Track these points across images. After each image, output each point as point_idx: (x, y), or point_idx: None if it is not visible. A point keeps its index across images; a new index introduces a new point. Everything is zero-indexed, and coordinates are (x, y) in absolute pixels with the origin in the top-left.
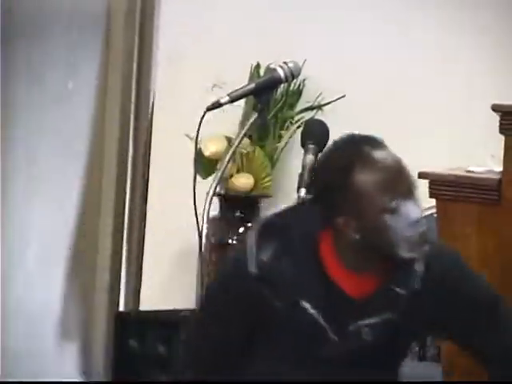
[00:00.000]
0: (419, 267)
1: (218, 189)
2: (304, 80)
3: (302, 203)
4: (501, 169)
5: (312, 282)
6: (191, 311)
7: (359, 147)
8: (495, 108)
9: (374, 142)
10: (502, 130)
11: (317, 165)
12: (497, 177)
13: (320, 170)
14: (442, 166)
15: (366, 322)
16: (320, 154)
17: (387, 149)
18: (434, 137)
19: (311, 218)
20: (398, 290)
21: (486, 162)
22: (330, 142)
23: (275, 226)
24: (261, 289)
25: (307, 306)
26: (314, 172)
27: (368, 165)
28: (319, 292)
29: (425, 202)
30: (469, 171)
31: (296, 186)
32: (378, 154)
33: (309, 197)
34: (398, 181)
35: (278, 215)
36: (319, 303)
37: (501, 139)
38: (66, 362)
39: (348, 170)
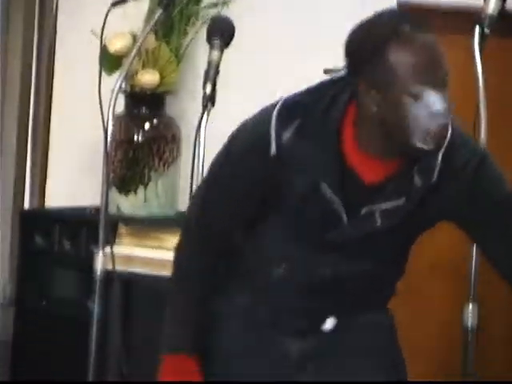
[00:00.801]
0: (437, 160)
1: (123, 86)
2: None
3: (327, 81)
4: None
5: (330, 165)
6: (96, 208)
7: (400, 23)
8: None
9: (418, 22)
10: None
11: (350, 34)
12: None
13: (354, 38)
14: None
15: (378, 206)
16: (356, 25)
17: (430, 32)
18: None
19: (335, 96)
20: (414, 179)
21: None
22: (234, 38)
23: (298, 105)
24: (280, 168)
25: (325, 186)
26: (347, 43)
27: (404, 43)
28: (336, 175)
29: None
30: None
31: (202, 81)
32: (418, 35)
33: (337, 74)
34: (430, 67)
35: (301, 94)
36: (335, 185)
37: None
38: None
39: (383, 43)
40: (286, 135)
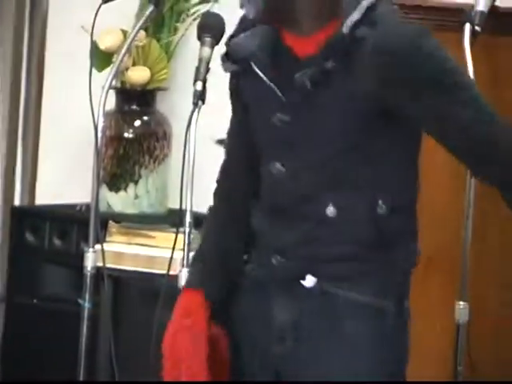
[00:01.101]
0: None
1: (113, 82)
2: None
3: None
4: None
5: (265, 47)
6: (86, 205)
7: None
8: None
9: None
10: None
11: None
12: None
13: None
14: None
15: (309, 71)
16: None
17: None
18: None
19: None
20: (337, 44)
21: None
22: (225, 35)
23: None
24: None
25: (256, 68)
26: None
27: None
28: (270, 55)
29: None
30: None
31: (192, 78)
32: None
33: None
34: None
35: None
36: (267, 65)
37: None
38: None
39: None
40: (233, 40)
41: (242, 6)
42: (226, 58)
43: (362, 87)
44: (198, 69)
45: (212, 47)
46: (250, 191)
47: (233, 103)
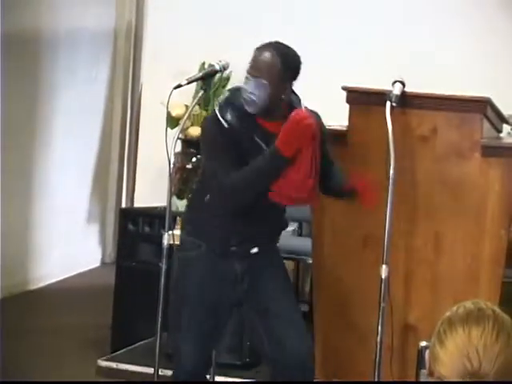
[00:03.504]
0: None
1: (180, 135)
2: (231, 71)
3: (233, 87)
4: (346, 124)
5: (255, 127)
6: (163, 207)
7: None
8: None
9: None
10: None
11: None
12: (344, 128)
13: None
14: None
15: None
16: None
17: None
18: None
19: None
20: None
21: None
22: None
23: (232, 96)
24: (230, 132)
25: (256, 138)
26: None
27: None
28: (259, 131)
29: None
30: (328, 125)
31: None
32: (260, 49)
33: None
34: (253, 60)
35: (232, 89)
36: (259, 136)
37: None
38: (91, 242)
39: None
40: (228, 116)
41: (245, 104)
42: (230, 128)
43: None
44: None
45: None
46: None
47: (226, 147)
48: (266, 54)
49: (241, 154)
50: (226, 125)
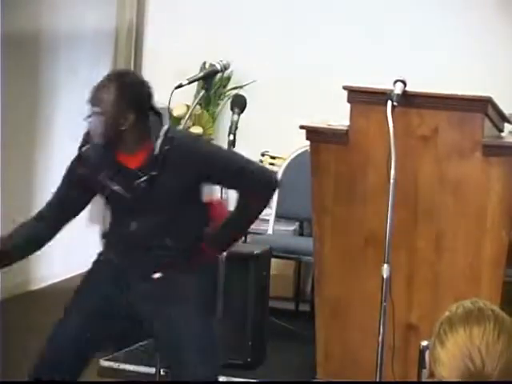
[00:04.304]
0: (164, 149)
1: None
2: (232, 71)
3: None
4: (348, 123)
5: (109, 164)
6: None
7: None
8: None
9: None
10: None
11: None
12: (345, 128)
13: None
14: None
15: (141, 179)
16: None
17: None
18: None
19: None
20: (156, 161)
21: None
22: (247, 108)
23: (88, 133)
24: (82, 169)
25: (107, 181)
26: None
27: None
28: (114, 170)
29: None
30: (329, 124)
31: (227, 133)
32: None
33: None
34: (92, 89)
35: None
36: (114, 177)
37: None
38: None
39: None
40: (83, 149)
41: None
42: (79, 160)
43: (178, 177)
44: (230, 127)
45: (239, 115)
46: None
47: (69, 181)
48: (102, 83)
49: (92, 185)
50: (77, 158)
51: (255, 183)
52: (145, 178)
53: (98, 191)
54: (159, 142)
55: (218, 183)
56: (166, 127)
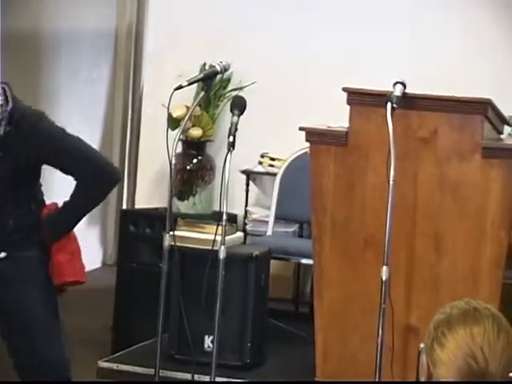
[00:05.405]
0: (8, 126)
1: (181, 136)
2: (232, 72)
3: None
4: (347, 125)
5: None
6: (164, 208)
7: None
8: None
9: None
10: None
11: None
12: (345, 130)
13: None
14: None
15: None
16: None
17: None
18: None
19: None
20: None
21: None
22: (247, 109)
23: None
24: None
25: None
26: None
27: None
28: None
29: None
30: (329, 126)
31: (227, 134)
32: None
33: None
34: None
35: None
36: None
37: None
38: (92, 244)
39: None
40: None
41: None
42: None
43: (21, 158)
44: (230, 129)
45: (238, 116)
46: None
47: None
48: None
49: None
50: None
51: (94, 173)
52: None
53: None
54: (3, 123)
55: (58, 168)
56: (10, 106)
